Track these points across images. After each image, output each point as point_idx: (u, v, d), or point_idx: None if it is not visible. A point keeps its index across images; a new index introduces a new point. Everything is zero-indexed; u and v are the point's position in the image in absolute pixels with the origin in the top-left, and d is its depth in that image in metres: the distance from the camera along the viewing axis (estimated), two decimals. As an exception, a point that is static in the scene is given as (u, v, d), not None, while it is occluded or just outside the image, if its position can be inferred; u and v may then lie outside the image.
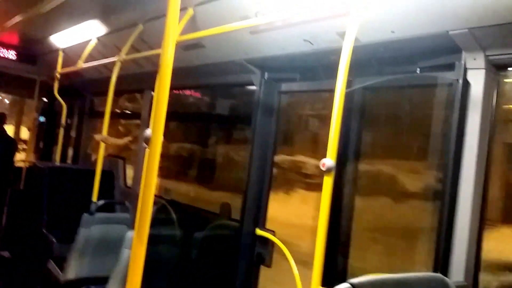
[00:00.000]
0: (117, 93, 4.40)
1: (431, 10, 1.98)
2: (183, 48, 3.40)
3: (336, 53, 2.00)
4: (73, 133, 7.23)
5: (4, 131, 6.88)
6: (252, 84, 3.51)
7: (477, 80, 2.07)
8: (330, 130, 1.93)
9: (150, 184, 1.42)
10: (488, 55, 2.02)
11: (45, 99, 7.57)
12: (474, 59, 2.04)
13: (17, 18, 2.90)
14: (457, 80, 2.09)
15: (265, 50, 3.03)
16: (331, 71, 2.12)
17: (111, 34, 4.40)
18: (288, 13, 2.46)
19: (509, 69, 2.13)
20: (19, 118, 9.16)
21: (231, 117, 5.06)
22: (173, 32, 1.39)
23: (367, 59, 2.58)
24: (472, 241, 2.05)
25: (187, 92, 5.62)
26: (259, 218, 3.35)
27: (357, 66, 2.12)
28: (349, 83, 2.07)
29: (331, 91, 1.99)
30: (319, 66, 3.02)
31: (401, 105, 2.87)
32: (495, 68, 2.09)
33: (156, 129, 1.40)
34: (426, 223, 2.47)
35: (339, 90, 1.93)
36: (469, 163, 2.07)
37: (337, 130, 1.93)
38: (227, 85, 4.36)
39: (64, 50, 5.54)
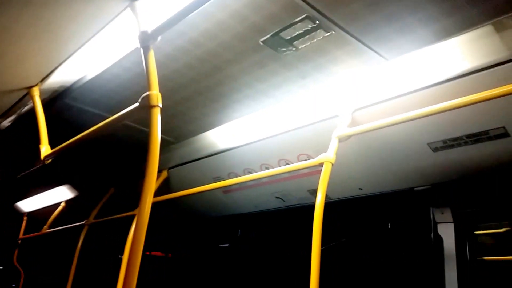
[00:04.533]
0: (85, 259, 4.16)
1: (395, 169, 2.09)
2: (157, 207, 3.39)
3: (308, 210, 2.01)
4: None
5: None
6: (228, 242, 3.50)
7: (447, 233, 2.10)
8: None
9: None
10: (455, 209, 2.10)
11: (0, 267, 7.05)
12: (442, 213, 2.11)
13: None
14: (429, 235, 2.13)
15: (239, 208, 3.07)
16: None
17: (81, 197, 4.37)
18: (259, 174, 2.46)
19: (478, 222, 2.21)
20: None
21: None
22: (150, 194, 1.39)
23: (338, 216, 2.62)
24: None
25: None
26: None
27: (330, 223, 2.13)
28: (325, 240, 2.04)
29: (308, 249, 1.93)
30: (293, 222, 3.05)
31: (377, 263, 2.83)
32: (464, 221, 2.15)
33: None
34: None
35: (315, 249, 1.83)
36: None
37: None
38: (204, 242, 4.28)
39: (28, 215, 5.37)
